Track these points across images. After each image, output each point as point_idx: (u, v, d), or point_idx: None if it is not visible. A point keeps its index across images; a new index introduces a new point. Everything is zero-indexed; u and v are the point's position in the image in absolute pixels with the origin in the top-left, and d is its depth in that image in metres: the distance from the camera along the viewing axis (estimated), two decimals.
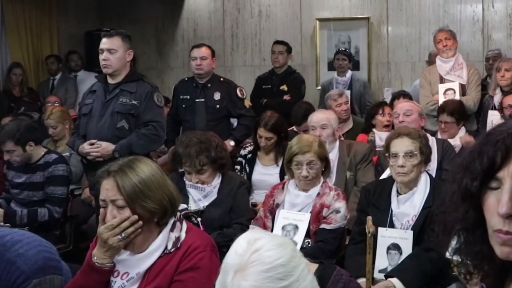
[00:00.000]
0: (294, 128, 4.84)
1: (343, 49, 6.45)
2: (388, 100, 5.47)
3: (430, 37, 5.61)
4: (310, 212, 3.02)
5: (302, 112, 4.68)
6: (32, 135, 3.82)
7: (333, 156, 3.77)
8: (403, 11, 6.66)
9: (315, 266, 1.69)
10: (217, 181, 3.30)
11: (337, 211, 3.01)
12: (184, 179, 3.30)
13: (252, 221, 3.22)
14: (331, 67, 6.65)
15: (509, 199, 0.92)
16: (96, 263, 1.92)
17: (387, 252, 2.78)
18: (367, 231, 2.61)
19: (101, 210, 1.94)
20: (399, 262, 2.73)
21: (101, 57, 3.78)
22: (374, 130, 4.69)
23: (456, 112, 4.41)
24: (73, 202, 4.29)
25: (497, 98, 4.71)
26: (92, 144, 3.71)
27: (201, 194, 3.25)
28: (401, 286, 2.61)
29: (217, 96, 4.68)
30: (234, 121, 4.98)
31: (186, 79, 4.98)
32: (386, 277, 2.69)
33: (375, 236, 2.66)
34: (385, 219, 2.83)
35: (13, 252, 1.66)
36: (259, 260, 1.22)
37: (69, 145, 4.13)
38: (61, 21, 7.27)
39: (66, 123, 4.81)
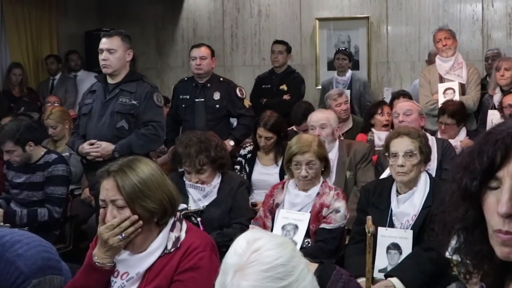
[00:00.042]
0: (293, 127, 4.84)
1: (343, 48, 6.44)
2: (388, 99, 5.46)
3: (430, 36, 5.60)
4: (310, 212, 3.02)
5: (302, 111, 4.67)
6: (32, 135, 3.82)
7: (333, 155, 3.77)
8: (402, 10, 6.66)
9: (314, 265, 1.68)
10: (217, 181, 3.30)
11: (337, 211, 3.01)
12: (184, 179, 3.30)
13: (252, 221, 3.22)
14: (331, 66, 6.65)
15: (509, 198, 0.92)
16: (96, 263, 1.92)
17: (387, 252, 2.77)
18: (367, 230, 2.60)
19: (101, 210, 1.94)
20: (399, 261, 2.73)
21: (101, 57, 3.77)
22: (373, 129, 4.68)
23: (457, 113, 4.41)
24: (73, 202, 4.29)
25: (496, 97, 4.71)
26: (92, 144, 3.71)
27: (201, 194, 3.25)
28: (401, 286, 2.61)
29: (216, 96, 4.68)
30: (234, 121, 4.98)
31: (185, 79, 4.98)
32: (386, 276, 2.68)
33: (375, 235, 2.66)
34: (385, 218, 2.83)
35: (12, 252, 1.65)
36: (259, 260, 1.22)
37: (69, 145, 4.12)
38: (61, 21, 7.26)
39: (65, 123, 4.81)
